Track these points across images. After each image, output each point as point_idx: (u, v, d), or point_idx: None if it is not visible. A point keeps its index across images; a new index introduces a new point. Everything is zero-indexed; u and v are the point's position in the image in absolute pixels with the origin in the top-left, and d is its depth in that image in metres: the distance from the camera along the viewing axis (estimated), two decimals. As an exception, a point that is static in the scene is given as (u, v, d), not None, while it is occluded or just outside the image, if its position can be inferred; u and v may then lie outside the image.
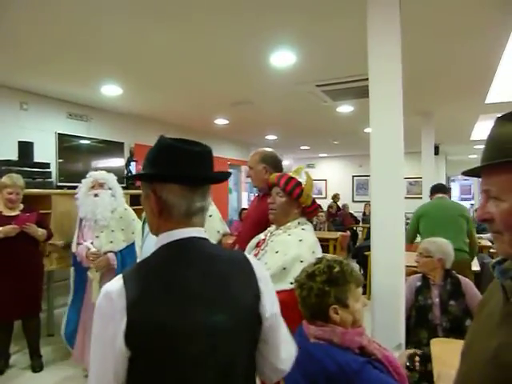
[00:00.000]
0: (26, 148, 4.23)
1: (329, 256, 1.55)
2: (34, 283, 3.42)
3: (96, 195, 3.02)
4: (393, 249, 2.15)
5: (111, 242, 3.02)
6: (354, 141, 8.72)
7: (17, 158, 4.14)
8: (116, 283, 0.90)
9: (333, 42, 3.20)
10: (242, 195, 9.92)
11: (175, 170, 0.96)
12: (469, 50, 3.39)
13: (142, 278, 0.91)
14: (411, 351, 1.73)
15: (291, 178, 2.01)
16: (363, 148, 9.67)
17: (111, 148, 5.44)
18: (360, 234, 9.40)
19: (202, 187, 1.00)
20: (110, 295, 0.88)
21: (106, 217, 3.01)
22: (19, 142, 4.22)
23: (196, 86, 4.56)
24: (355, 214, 9.94)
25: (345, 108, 5.54)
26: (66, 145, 4.83)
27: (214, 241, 2.43)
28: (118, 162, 5.42)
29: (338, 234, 7.02)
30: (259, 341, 1.02)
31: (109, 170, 5.01)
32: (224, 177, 1.09)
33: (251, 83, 4.42)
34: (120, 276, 0.92)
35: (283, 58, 3.57)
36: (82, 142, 5.10)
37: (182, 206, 0.96)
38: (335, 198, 10.07)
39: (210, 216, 2.43)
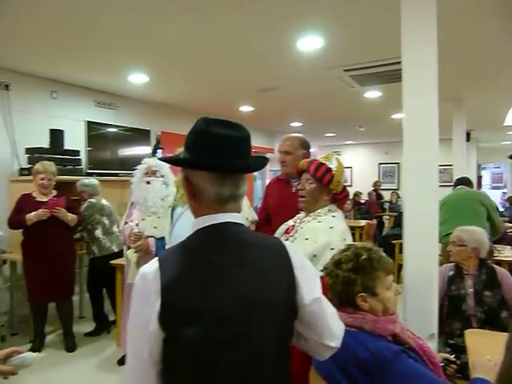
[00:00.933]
0: (56, 136, 4.33)
1: (358, 243, 1.51)
2: (67, 267, 3.54)
3: (148, 182, 3.05)
4: (426, 237, 2.09)
5: (155, 227, 3.05)
6: (380, 127, 8.53)
7: (48, 146, 4.25)
8: (152, 265, 0.91)
9: (363, 24, 3.11)
10: (267, 183, 9.89)
11: (203, 158, 0.93)
12: (502, 33, 3.23)
13: (176, 261, 0.92)
14: (444, 356, 1.67)
15: (321, 164, 1.97)
16: (390, 135, 9.54)
17: (138, 136, 5.51)
18: (386, 222, 9.24)
19: (232, 175, 0.97)
20: (146, 277, 0.89)
21: (156, 203, 3.04)
22: (50, 130, 4.32)
23: (221, 73, 4.54)
24: (381, 202, 9.78)
25: (372, 93, 5.40)
26: (94, 133, 4.92)
27: None
28: (144, 150, 5.48)
29: (364, 222, 6.92)
30: (301, 326, 1.01)
31: (135, 157, 5.14)
32: (254, 167, 1.04)
33: (277, 69, 4.35)
34: (156, 259, 0.92)
35: (311, 43, 3.49)
36: (110, 129, 5.18)
37: (211, 193, 0.95)
38: (376, 184, 9.92)
39: None
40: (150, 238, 3.06)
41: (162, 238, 3.07)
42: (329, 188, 1.95)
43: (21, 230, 3.41)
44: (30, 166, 4.03)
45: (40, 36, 3.36)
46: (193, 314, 0.86)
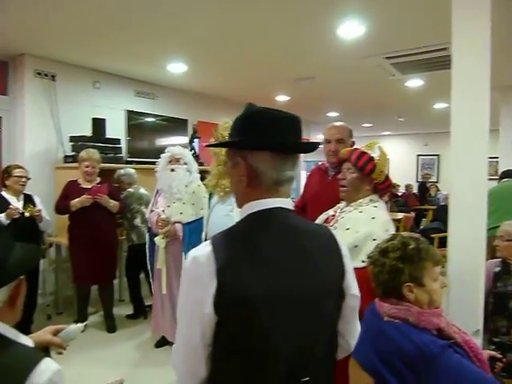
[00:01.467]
0: (98, 124, 4.47)
1: (404, 233, 1.47)
2: (109, 253, 3.68)
3: (172, 170, 3.14)
4: (473, 230, 2.01)
5: (181, 213, 3.14)
6: (420, 118, 8.24)
7: (91, 134, 4.39)
8: (204, 248, 0.91)
9: (407, 9, 2.99)
10: (301, 173, 9.81)
11: (267, 137, 0.93)
12: None
13: (229, 245, 0.92)
14: (490, 353, 1.61)
15: (363, 153, 1.92)
16: (430, 125, 9.21)
17: (175, 125, 5.60)
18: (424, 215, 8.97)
19: (292, 156, 0.98)
20: (199, 260, 0.89)
21: (180, 190, 3.14)
22: (93, 119, 4.46)
23: (259, 62, 4.52)
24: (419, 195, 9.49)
25: (414, 82, 5.22)
26: (133, 122, 5.04)
27: None
28: (181, 139, 5.56)
29: (401, 215, 6.75)
30: (339, 317, 1.01)
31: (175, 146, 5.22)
32: (315, 146, 1.05)
33: (315, 58, 4.28)
34: (208, 242, 0.93)
35: (351, 30, 3.41)
36: (148, 119, 5.29)
37: (273, 175, 0.94)
38: (424, 177, 9.63)
39: None
40: (176, 224, 3.14)
41: (188, 224, 3.15)
42: (371, 177, 1.91)
43: (67, 215, 3.57)
44: (73, 153, 4.19)
45: (83, 27, 3.46)
46: (247, 298, 0.86)
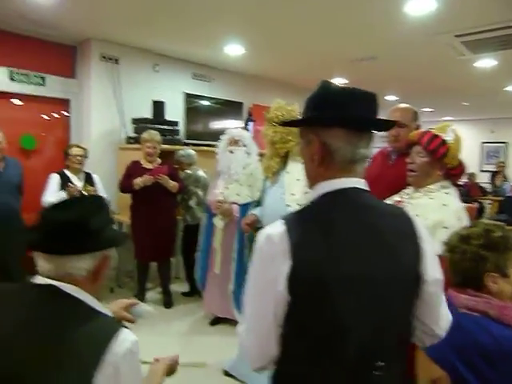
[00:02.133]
0: (158, 107, 4.58)
1: (486, 221, 1.37)
2: (168, 231, 3.81)
3: (231, 152, 3.19)
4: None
5: (237, 194, 3.20)
6: (488, 102, 7.67)
7: (151, 116, 4.51)
8: (278, 227, 0.90)
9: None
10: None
11: (342, 113, 0.91)
12: None
13: (303, 224, 0.91)
14: None
15: (435, 136, 1.82)
16: (498, 110, 8.55)
17: (231, 108, 5.62)
18: (489, 207, 8.42)
19: (367, 133, 0.95)
20: (272, 238, 0.88)
21: (238, 172, 3.20)
22: (153, 102, 4.58)
23: (317, 43, 4.39)
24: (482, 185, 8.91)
25: (485, 62, 4.83)
26: (191, 105, 5.12)
27: None
28: (237, 122, 5.58)
29: (464, 205, 6.37)
30: (417, 302, 0.96)
31: (228, 129, 5.26)
32: (392, 124, 1.01)
33: (378, 37, 4.08)
34: (281, 221, 0.92)
35: (421, 6, 3.19)
36: (205, 101, 5.35)
37: (347, 153, 0.92)
38: (499, 166, 9.06)
39: None
40: (233, 205, 3.18)
41: (245, 205, 3.18)
42: (443, 162, 1.81)
43: (129, 195, 3.73)
44: (135, 135, 4.34)
45: (144, 10, 3.52)
46: (320, 278, 0.84)
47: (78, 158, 3.57)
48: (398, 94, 7.48)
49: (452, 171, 1.83)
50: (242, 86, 5.96)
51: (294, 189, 2.37)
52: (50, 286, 0.93)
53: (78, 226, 0.94)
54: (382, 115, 1.00)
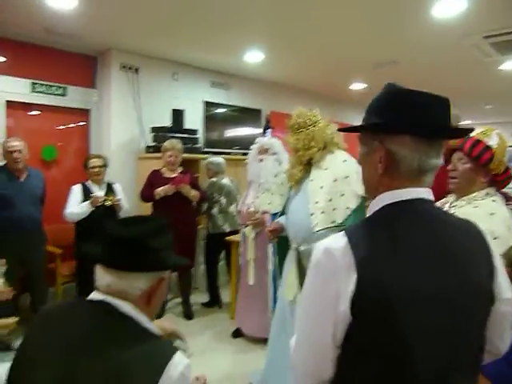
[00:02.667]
0: (178, 115, 4.56)
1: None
2: (189, 240, 3.75)
3: (261, 160, 3.14)
4: None
5: (269, 203, 3.13)
6: (512, 105, 7.48)
7: (171, 125, 4.49)
8: (339, 240, 0.83)
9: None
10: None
11: (409, 118, 0.83)
12: None
13: (368, 237, 0.83)
14: None
15: (478, 141, 1.71)
16: (523, 113, 8.30)
17: (249, 115, 5.58)
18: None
19: (438, 141, 0.87)
20: (333, 252, 0.81)
21: (268, 181, 3.14)
22: (173, 110, 4.55)
23: (337, 49, 4.36)
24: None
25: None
26: (209, 113, 5.09)
27: (354, 204, 2.22)
28: (255, 129, 5.53)
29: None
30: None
31: (247, 137, 5.21)
32: (466, 132, 0.92)
33: (401, 40, 4.00)
34: (342, 233, 0.85)
35: (450, 8, 3.10)
36: (223, 109, 5.32)
37: (414, 162, 0.84)
38: None
39: (347, 178, 2.24)
40: (265, 214, 3.11)
41: (275, 214, 3.09)
42: (487, 168, 1.69)
43: (149, 203, 3.68)
44: (154, 143, 4.32)
45: (164, 19, 3.52)
46: (389, 296, 0.77)
47: (97, 169, 3.54)
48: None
49: (497, 178, 1.72)
50: (259, 93, 5.92)
51: (318, 196, 2.27)
52: (105, 302, 0.95)
53: (140, 243, 0.98)
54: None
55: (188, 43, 4.24)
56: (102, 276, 0.98)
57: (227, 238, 3.79)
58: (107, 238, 1.01)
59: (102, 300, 0.96)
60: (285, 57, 4.73)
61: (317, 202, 2.25)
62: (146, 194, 3.60)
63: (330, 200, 2.20)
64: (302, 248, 2.24)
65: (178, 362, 0.87)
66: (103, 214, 3.43)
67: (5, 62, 3.97)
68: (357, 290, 0.77)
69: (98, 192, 3.53)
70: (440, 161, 0.88)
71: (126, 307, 0.95)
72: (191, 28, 3.74)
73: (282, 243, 2.64)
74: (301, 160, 2.39)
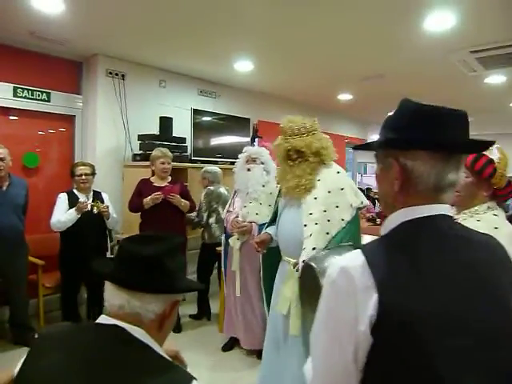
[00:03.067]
0: (166, 123, 4.48)
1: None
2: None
3: (249, 169, 3.11)
4: None
5: (257, 213, 3.08)
6: (493, 118, 7.69)
7: (158, 133, 4.40)
8: (356, 259, 0.79)
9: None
10: (356, 176, 9.54)
11: (424, 134, 0.81)
12: None
13: (386, 256, 0.79)
14: None
15: (481, 155, 1.71)
16: (503, 126, 8.53)
17: (237, 124, 5.53)
18: None
19: (456, 156, 0.84)
20: (350, 271, 0.77)
21: (256, 190, 3.09)
22: (160, 118, 4.47)
23: (326, 61, 4.41)
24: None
25: (495, 78, 4.82)
26: (197, 121, 5.02)
27: (349, 216, 2.19)
28: (243, 138, 5.49)
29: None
30: None
31: (235, 145, 5.16)
32: (486, 146, 0.90)
33: (390, 54, 4.07)
34: (358, 251, 0.81)
35: (441, 21, 3.14)
36: (211, 118, 5.26)
37: (431, 178, 0.82)
38: None
39: (342, 189, 2.22)
40: (252, 224, 3.07)
41: (263, 225, 3.04)
42: (489, 182, 1.70)
43: (136, 214, 3.58)
44: (141, 152, 4.22)
45: (152, 27, 3.47)
46: (412, 319, 0.72)
47: (84, 177, 3.42)
48: (402, 110, 7.47)
49: (499, 192, 1.72)
50: (247, 102, 5.90)
51: (312, 208, 2.22)
52: (120, 327, 0.88)
53: (158, 262, 0.92)
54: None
55: (176, 51, 4.18)
56: (114, 296, 0.91)
57: (218, 248, 3.71)
58: (123, 255, 0.95)
59: (115, 324, 0.88)
60: (274, 67, 4.73)
61: (311, 214, 2.20)
62: (135, 204, 3.49)
63: (325, 211, 2.16)
64: (314, 265, 2.13)
65: None
66: (90, 223, 3.32)
67: (-15, 65, 3.83)
68: (378, 311, 0.73)
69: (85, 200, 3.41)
70: (458, 176, 0.85)
71: (141, 333, 0.89)
72: (180, 36, 3.69)
73: (270, 254, 2.59)
74: (311, 166, 2.28)
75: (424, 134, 0.81)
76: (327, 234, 2.14)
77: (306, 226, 2.18)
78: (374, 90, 5.73)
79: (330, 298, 0.81)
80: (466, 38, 3.47)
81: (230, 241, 3.15)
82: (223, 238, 3.40)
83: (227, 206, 3.37)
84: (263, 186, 3.11)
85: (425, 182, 0.82)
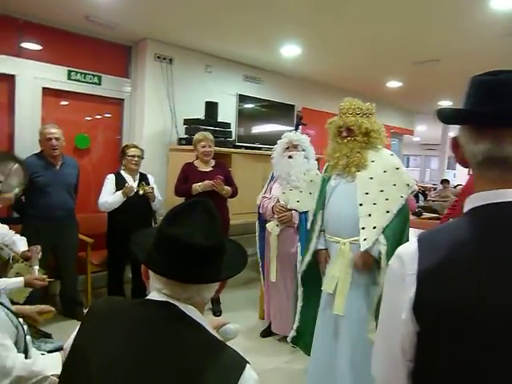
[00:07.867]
0: (211, 108, 4.49)
1: None
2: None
3: (290, 157, 3.05)
4: None
5: (298, 201, 3.03)
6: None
7: (203, 117, 4.42)
8: (410, 245, 0.79)
9: None
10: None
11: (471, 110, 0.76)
12: None
13: (442, 244, 0.75)
14: None
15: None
16: None
17: (282, 111, 5.46)
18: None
19: (492, 129, 0.74)
20: (402, 258, 0.78)
21: (298, 178, 3.05)
22: (206, 102, 4.49)
23: (377, 45, 4.23)
24: None
25: None
26: (242, 107, 5.00)
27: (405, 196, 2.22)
28: (287, 125, 5.41)
29: None
30: None
31: (280, 132, 5.09)
32: None
33: (448, 36, 3.83)
34: (415, 238, 0.79)
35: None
36: (256, 103, 5.21)
37: (467, 153, 0.77)
38: None
39: (398, 169, 2.26)
40: (293, 211, 3.03)
41: (305, 212, 3.01)
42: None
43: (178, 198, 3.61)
44: (187, 136, 4.26)
45: (199, 10, 3.45)
46: (458, 313, 0.69)
47: (136, 158, 3.50)
48: (452, 99, 7.10)
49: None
50: (292, 89, 5.80)
51: (368, 187, 2.21)
52: (172, 304, 0.85)
53: (218, 252, 0.89)
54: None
55: (223, 35, 4.15)
56: (163, 286, 0.87)
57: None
58: (179, 247, 0.84)
59: (168, 302, 0.86)
60: (321, 52, 4.60)
61: (367, 193, 2.19)
62: (182, 190, 3.50)
63: (382, 191, 2.18)
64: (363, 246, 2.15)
65: (249, 376, 0.80)
66: (136, 205, 3.39)
67: (42, 49, 3.97)
68: (416, 299, 0.72)
69: (132, 182, 3.49)
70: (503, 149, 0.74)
71: (194, 313, 0.87)
72: (226, 20, 3.66)
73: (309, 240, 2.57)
74: (359, 145, 2.27)
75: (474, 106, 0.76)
76: (387, 212, 2.16)
77: (361, 205, 2.19)
78: (425, 76, 5.46)
79: (386, 283, 0.83)
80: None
81: (268, 226, 3.11)
82: (257, 223, 3.37)
83: (262, 191, 3.32)
84: (304, 173, 3.05)
85: (470, 160, 0.78)
